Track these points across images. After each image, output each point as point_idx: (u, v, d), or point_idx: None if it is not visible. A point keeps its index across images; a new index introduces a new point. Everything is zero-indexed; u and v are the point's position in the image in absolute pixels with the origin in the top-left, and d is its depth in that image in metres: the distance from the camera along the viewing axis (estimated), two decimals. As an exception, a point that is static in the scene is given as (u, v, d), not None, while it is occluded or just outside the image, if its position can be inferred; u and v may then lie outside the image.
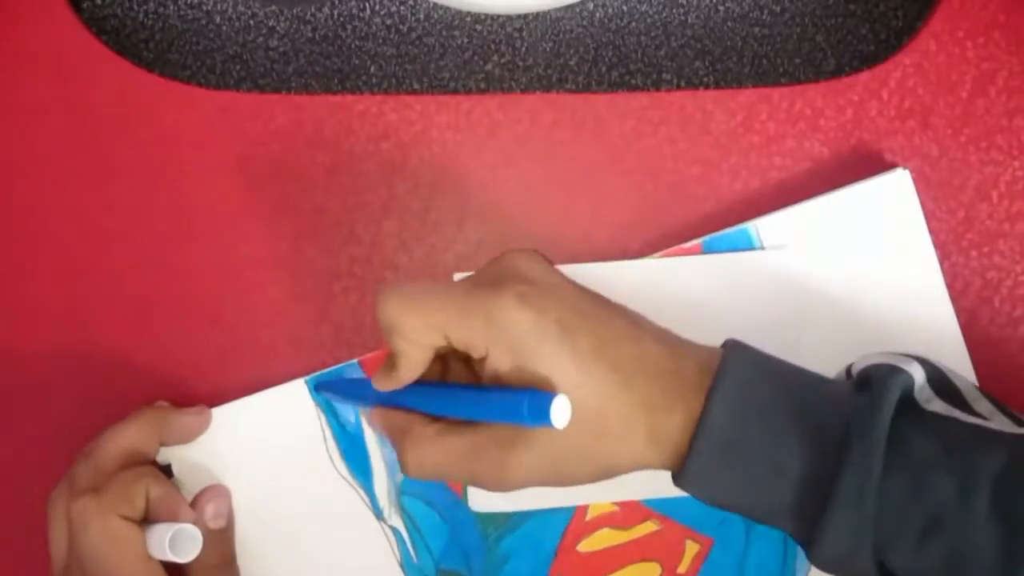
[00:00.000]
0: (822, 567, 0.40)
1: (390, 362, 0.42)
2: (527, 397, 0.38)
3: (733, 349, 0.41)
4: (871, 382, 0.41)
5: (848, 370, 0.44)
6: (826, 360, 0.44)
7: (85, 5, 0.51)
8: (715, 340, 0.43)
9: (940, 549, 0.38)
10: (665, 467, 0.41)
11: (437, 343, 0.41)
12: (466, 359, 0.43)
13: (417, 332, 0.41)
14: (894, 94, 0.51)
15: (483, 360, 0.41)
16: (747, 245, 0.49)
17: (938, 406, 0.41)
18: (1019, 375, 0.50)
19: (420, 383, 0.43)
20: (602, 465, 0.41)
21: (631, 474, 0.42)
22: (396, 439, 0.43)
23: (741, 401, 0.40)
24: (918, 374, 0.42)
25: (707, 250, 0.50)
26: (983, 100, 0.51)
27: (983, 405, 0.42)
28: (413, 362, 0.42)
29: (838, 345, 0.48)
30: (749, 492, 0.40)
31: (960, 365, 0.49)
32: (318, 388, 0.50)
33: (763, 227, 0.49)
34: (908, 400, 0.41)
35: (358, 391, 0.48)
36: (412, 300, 0.41)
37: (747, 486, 0.40)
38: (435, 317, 0.40)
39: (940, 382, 0.42)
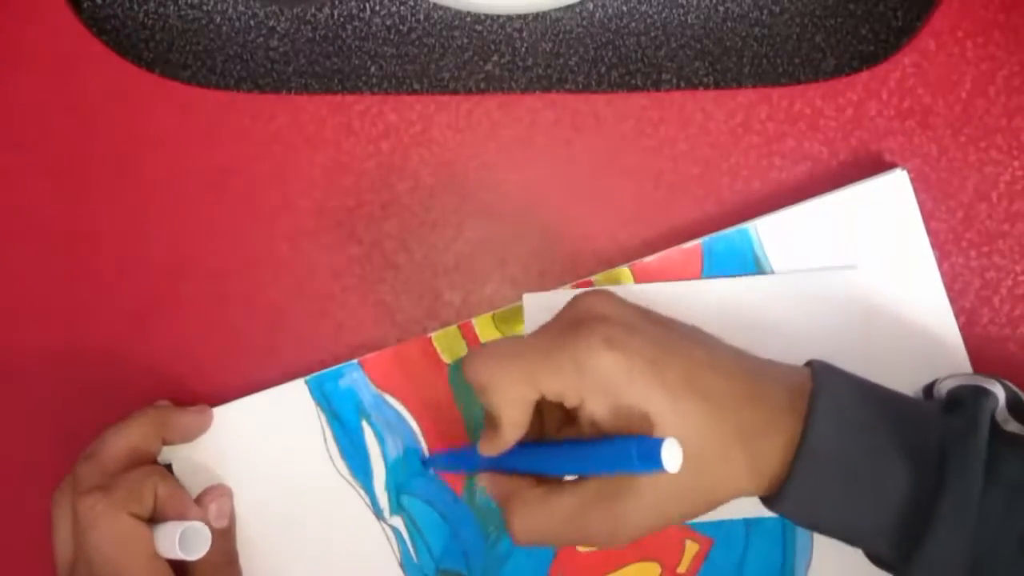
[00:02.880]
0: None
1: (491, 424, 0.42)
2: (635, 443, 0.38)
3: (824, 370, 0.41)
4: (964, 402, 0.41)
5: (927, 390, 0.45)
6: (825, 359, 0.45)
7: (85, 5, 0.51)
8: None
9: None
10: (763, 493, 0.41)
11: (532, 397, 0.41)
12: (562, 409, 0.42)
13: (511, 389, 0.40)
14: (894, 94, 0.51)
15: (578, 409, 0.40)
16: (747, 245, 0.49)
17: (1014, 427, 0.42)
18: (1019, 375, 0.50)
19: (524, 444, 0.42)
20: (705, 500, 0.41)
21: None
22: (503, 504, 0.43)
23: (840, 422, 0.40)
24: (1000, 395, 0.42)
25: (707, 250, 0.50)
26: (983, 100, 0.51)
27: None
28: (513, 421, 0.41)
29: (837, 345, 0.48)
30: (848, 513, 0.40)
31: (960, 365, 0.49)
32: (426, 464, 0.50)
33: (763, 227, 0.49)
34: (992, 422, 0.41)
35: (466, 459, 0.47)
36: (500, 358, 0.41)
37: (846, 507, 0.40)
38: (525, 371, 0.40)
39: (1016, 404, 0.43)
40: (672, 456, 0.36)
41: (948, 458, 0.39)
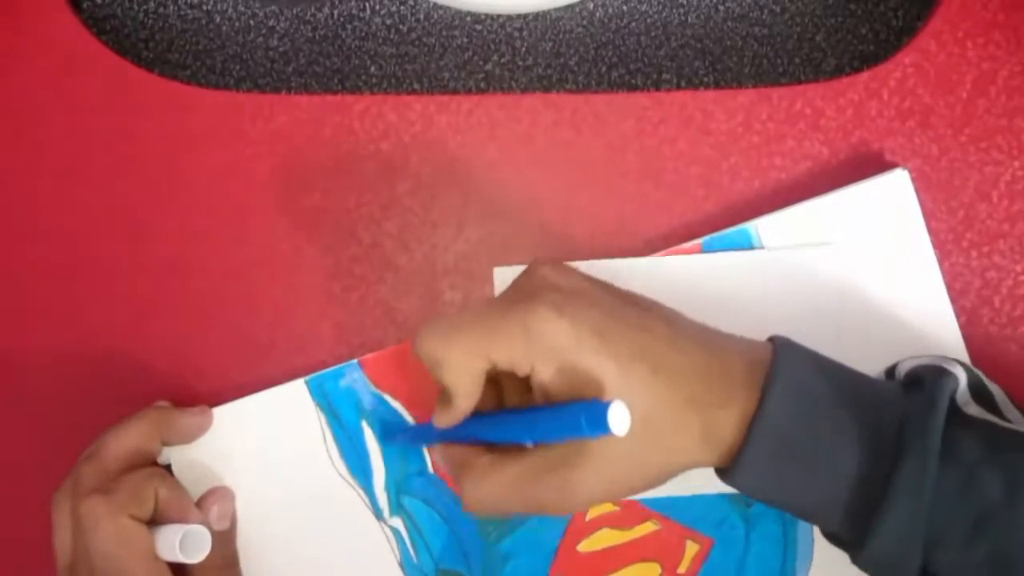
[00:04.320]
0: (868, 569, 0.40)
1: (444, 397, 0.42)
2: (583, 409, 0.38)
3: (784, 345, 0.41)
4: (923, 382, 0.41)
5: (889, 371, 0.44)
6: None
7: (85, 5, 0.51)
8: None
9: (986, 547, 0.38)
10: (717, 464, 0.41)
11: (484, 368, 0.41)
12: (520, 381, 0.42)
13: (461, 362, 0.40)
14: (894, 94, 0.51)
15: (531, 376, 0.40)
16: (747, 245, 0.49)
17: (974, 410, 0.42)
18: (1019, 375, 0.50)
19: (478, 415, 0.42)
20: (657, 470, 0.41)
21: None
22: (455, 475, 0.43)
23: (797, 396, 0.40)
24: (961, 378, 0.42)
25: (707, 250, 0.50)
26: (983, 100, 0.50)
27: (1012, 412, 0.42)
28: (465, 392, 0.41)
29: (838, 345, 0.48)
30: (802, 488, 0.40)
31: (960, 365, 0.49)
32: (384, 440, 0.50)
33: (763, 227, 0.49)
34: (951, 403, 0.41)
35: (422, 433, 0.47)
36: (449, 331, 0.41)
37: (801, 481, 0.40)
38: (475, 343, 0.40)
39: (977, 387, 0.43)
40: (619, 419, 0.36)
41: (905, 435, 0.39)
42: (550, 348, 0.39)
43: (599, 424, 0.36)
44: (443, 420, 0.42)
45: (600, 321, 0.40)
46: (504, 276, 0.50)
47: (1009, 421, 0.41)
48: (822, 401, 0.40)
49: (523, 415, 0.42)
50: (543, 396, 0.40)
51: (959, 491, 0.39)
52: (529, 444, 0.42)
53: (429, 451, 0.49)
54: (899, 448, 0.39)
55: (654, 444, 0.40)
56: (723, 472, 0.41)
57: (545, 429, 0.40)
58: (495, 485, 0.41)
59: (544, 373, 0.40)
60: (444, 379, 0.41)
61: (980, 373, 0.43)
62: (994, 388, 0.43)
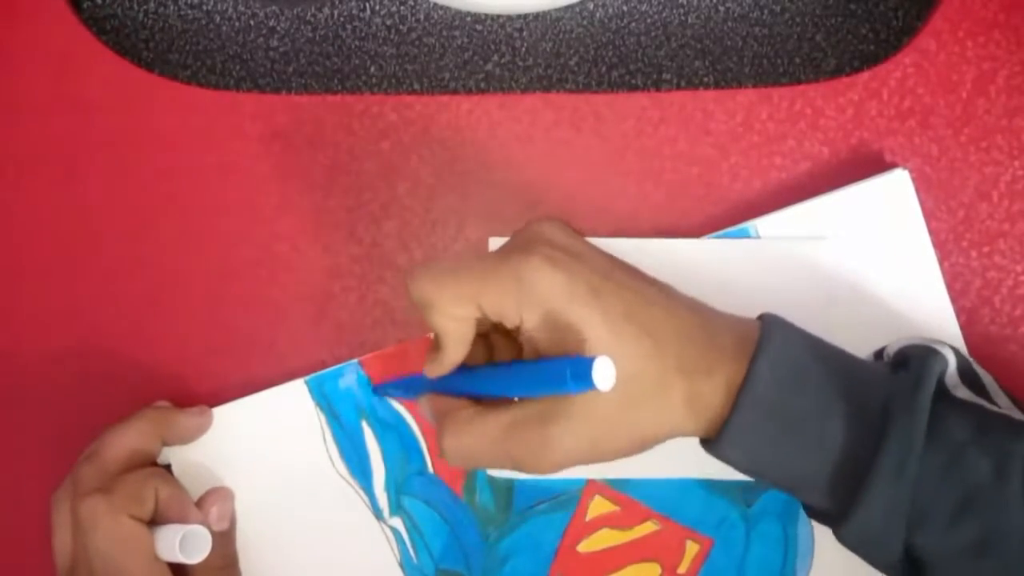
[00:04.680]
0: (851, 545, 0.40)
1: (435, 345, 0.42)
2: (569, 364, 0.37)
3: (774, 321, 0.41)
4: (910, 361, 0.41)
5: (878, 353, 0.44)
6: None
7: (85, 5, 0.51)
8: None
9: (972, 528, 0.38)
10: (701, 434, 0.41)
11: (473, 314, 0.41)
12: (509, 335, 0.42)
13: (451, 305, 0.40)
14: (894, 94, 0.51)
15: (519, 330, 0.41)
16: (747, 245, 0.49)
17: (963, 393, 0.42)
18: (1019, 375, 0.50)
19: (469, 368, 0.42)
20: (640, 435, 0.40)
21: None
22: (437, 425, 0.43)
23: (785, 369, 0.40)
24: (951, 359, 0.42)
25: (707, 250, 0.50)
26: (983, 100, 0.50)
27: (1002, 399, 0.42)
28: (455, 339, 0.41)
29: (837, 343, 0.48)
30: (786, 460, 0.40)
31: (960, 365, 0.49)
32: (376, 391, 0.50)
33: (763, 227, 0.49)
34: (939, 384, 0.41)
35: (414, 384, 0.47)
36: (442, 274, 0.41)
37: (785, 454, 0.40)
38: (466, 288, 0.40)
39: (967, 371, 0.43)
40: (604, 374, 0.36)
41: (891, 413, 0.39)
42: (541, 299, 0.39)
43: (584, 378, 0.36)
44: (433, 369, 0.42)
45: (594, 279, 0.40)
46: (499, 245, 0.50)
47: (998, 406, 0.41)
48: (809, 375, 0.40)
49: (510, 368, 0.42)
50: (532, 350, 0.40)
51: (945, 471, 0.39)
52: (515, 399, 0.41)
53: (419, 401, 0.49)
54: (885, 425, 0.39)
55: (637, 407, 0.40)
56: (708, 443, 0.41)
57: (530, 381, 0.40)
58: (473, 436, 0.41)
59: (533, 323, 0.40)
60: (433, 322, 0.41)
61: (970, 358, 0.43)
62: (983, 373, 0.43)
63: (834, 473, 0.39)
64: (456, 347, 0.41)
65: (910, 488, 0.38)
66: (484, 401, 0.42)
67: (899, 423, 0.38)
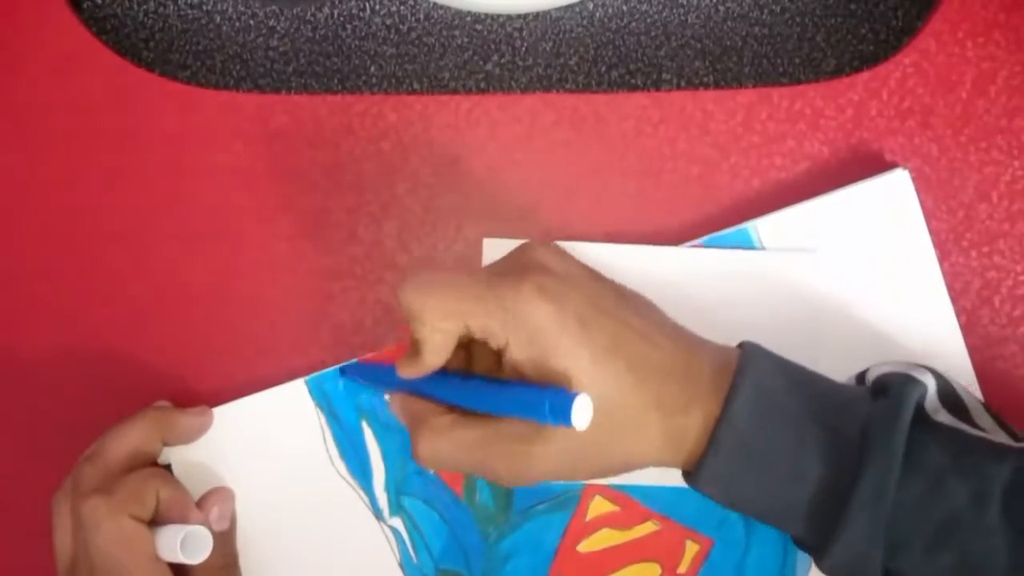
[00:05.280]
0: (832, 573, 0.40)
1: (413, 349, 0.42)
2: (549, 396, 0.38)
3: (751, 351, 0.41)
4: (889, 389, 0.41)
5: (860, 377, 0.44)
6: (825, 359, 0.44)
7: (85, 5, 0.51)
8: (714, 337, 0.43)
9: (951, 554, 0.38)
10: (680, 466, 0.41)
11: (458, 331, 0.41)
12: (490, 348, 0.43)
13: (438, 320, 0.41)
14: (894, 94, 0.51)
15: (503, 350, 0.41)
16: (747, 245, 0.49)
17: (944, 417, 0.41)
18: (1019, 375, 0.50)
19: (444, 373, 0.43)
20: (620, 461, 0.41)
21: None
22: (411, 427, 0.43)
23: (760, 403, 0.40)
24: (930, 385, 0.42)
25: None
26: (983, 100, 0.50)
27: (985, 420, 0.42)
28: (435, 350, 0.41)
29: (838, 345, 0.48)
30: (764, 494, 0.40)
31: (960, 365, 0.49)
32: (344, 372, 0.50)
33: (763, 227, 0.49)
34: (919, 410, 0.41)
35: (383, 377, 0.47)
36: (433, 288, 0.41)
37: (763, 488, 0.40)
38: (456, 306, 0.41)
39: (947, 394, 0.43)
40: (582, 414, 0.37)
41: (868, 443, 0.39)
42: (529, 328, 0.40)
43: (562, 414, 0.37)
44: (408, 371, 0.42)
45: (582, 309, 0.40)
46: (493, 248, 0.50)
47: (981, 429, 0.41)
48: (786, 408, 0.40)
49: (488, 385, 0.42)
50: (512, 371, 0.41)
51: (924, 498, 0.39)
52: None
53: (389, 399, 0.49)
54: (862, 454, 0.39)
55: (614, 439, 0.40)
56: (687, 476, 0.41)
57: (507, 403, 0.40)
58: (451, 444, 0.41)
59: (518, 350, 0.40)
60: (417, 331, 0.41)
61: (951, 379, 0.43)
62: (965, 394, 0.43)
63: (812, 505, 0.40)
64: (435, 356, 0.42)
65: (887, 518, 0.38)
66: (458, 408, 0.43)
67: (876, 452, 0.39)
